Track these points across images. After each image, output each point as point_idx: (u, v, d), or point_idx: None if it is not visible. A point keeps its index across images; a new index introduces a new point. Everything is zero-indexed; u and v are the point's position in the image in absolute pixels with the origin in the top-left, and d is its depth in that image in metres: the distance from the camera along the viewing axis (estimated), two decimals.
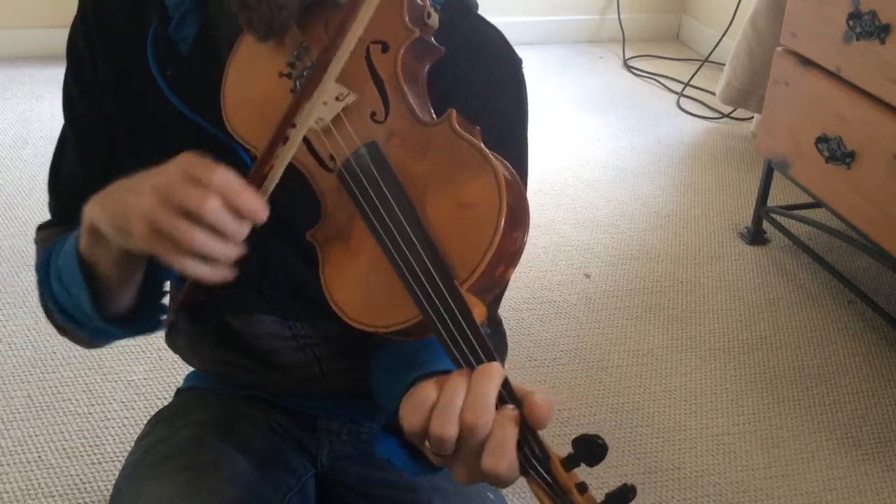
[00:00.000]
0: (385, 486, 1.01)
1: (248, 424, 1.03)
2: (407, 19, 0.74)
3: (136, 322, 0.85)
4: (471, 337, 0.65)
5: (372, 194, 0.70)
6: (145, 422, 1.09)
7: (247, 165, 0.86)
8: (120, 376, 1.76)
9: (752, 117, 2.92)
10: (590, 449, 0.64)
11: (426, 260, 0.66)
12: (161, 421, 1.06)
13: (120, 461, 1.54)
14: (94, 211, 0.75)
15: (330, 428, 1.05)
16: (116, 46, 0.89)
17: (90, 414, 1.66)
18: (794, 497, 1.61)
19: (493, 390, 0.63)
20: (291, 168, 0.74)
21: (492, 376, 0.64)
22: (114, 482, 1.04)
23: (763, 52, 2.52)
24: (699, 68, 3.31)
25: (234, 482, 0.94)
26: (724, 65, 2.81)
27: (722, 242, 2.35)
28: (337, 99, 0.74)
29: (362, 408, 1.04)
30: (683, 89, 3.21)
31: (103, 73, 0.90)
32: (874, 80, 1.83)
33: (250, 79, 0.80)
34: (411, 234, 0.67)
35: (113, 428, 1.63)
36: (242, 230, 0.69)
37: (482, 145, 0.69)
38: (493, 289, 0.69)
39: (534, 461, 0.65)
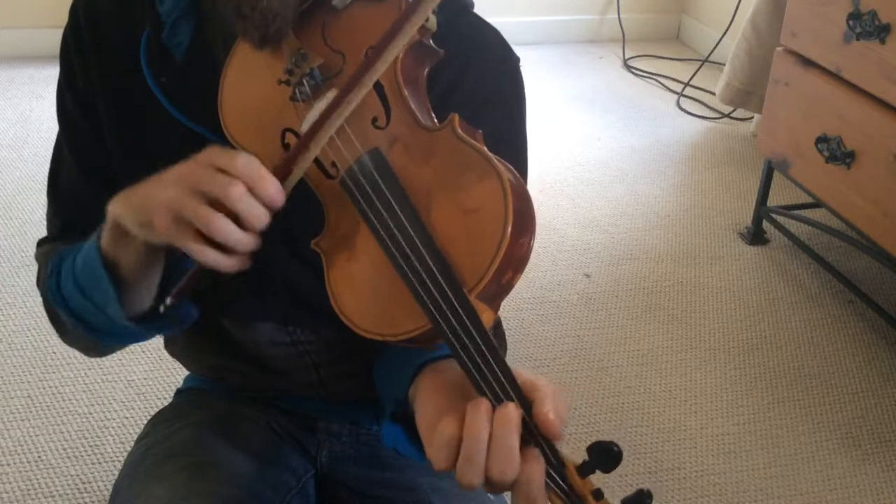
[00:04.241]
0: (385, 487, 1.01)
1: (247, 425, 1.03)
2: None
3: (156, 321, 0.84)
4: (481, 345, 0.65)
5: (376, 202, 0.69)
6: (145, 422, 1.09)
7: None
8: (120, 376, 1.76)
9: (752, 117, 2.92)
10: (605, 455, 0.65)
11: (433, 268, 0.65)
12: (161, 421, 1.06)
13: (120, 461, 1.54)
14: (118, 207, 0.76)
15: (330, 429, 1.05)
16: (108, 55, 0.88)
17: (90, 414, 1.66)
18: (794, 497, 1.61)
19: (514, 440, 0.64)
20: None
21: (510, 430, 0.64)
22: (114, 482, 1.04)
23: (763, 52, 2.52)
24: (699, 68, 3.31)
25: (233, 482, 0.94)
26: (724, 65, 2.81)
27: (722, 242, 2.35)
28: None
29: (362, 409, 1.04)
30: (683, 89, 3.21)
31: (96, 81, 0.89)
32: (874, 80, 1.82)
33: (248, 86, 0.79)
34: (417, 242, 0.66)
35: (113, 428, 1.63)
36: (263, 218, 0.71)
37: (486, 150, 0.68)
38: (501, 295, 0.68)
39: (549, 469, 0.65)
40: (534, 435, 0.65)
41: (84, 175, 0.93)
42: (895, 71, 1.77)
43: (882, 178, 1.83)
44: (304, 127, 0.74)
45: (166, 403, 1.12)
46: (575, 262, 2.23)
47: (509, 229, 0.64)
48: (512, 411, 0.64)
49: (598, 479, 0.66)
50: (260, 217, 0.70)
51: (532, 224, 0.67)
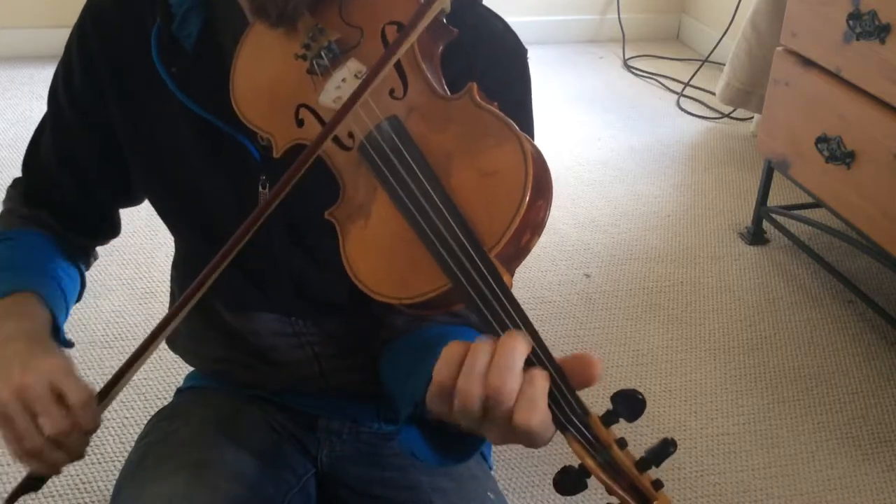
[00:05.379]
0: (385, 486, 1.01)
1: (248, 423, 1.03)
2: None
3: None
4: (504, 301, 0.66)
5: (397, 165, 0.70)
6: (145, 422, 1.09)
7: (254, 158, 0.86)
8: None
9: (752, 117, 2.92)
10: (629, 403, 0.66)
11: (455, 227, 0.67)
12: (161, 420, 1.06)
13: (120, 461, 1.54)
14: None
15: (330, 427, 1.05)
16: (115, 53, 0.89)
17: None
18: (794, 497, 1.61)
19: (518, 356, 0.64)
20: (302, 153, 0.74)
21: (515, 345, 0.64)
22: (114, 482, 1.04)
23: (763, 52, 2.52)
24: (699, 68, 3.31)
25: (234, 481, 0.94)
26: (724, 65, 2.81)
27: (722, 242, 2.35)
28: (356, 77, 0.75)
29: (363, 407, 1.04)
30: (683, 89, 3.21)
31: (105, 80, 0.90)
32: (874, 80, 1.83)
33: (261, 65, 0.80)
34: (438, 202, 0.68)
35: (113, 428, 1.63)
36: (83, 446, 0.78)
37: (505, 116, 0.69)
38: (518, 257, 0.69)
39: (573, 417, 0.66)
40: (562, 389, 0.66)
41: (57, 158, 0.97)
42: (895, 71, 1.77)
43: (882, 178, 1.83)
44: (323, 98, 0.75)
45: (166, 403, 1.12)
46: (575, 262, 2.24)
47: (529, 190, 0.66)
48: (520, 336, 0.65)
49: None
50: (78, 448, 0.78)
51: (550, 189, 0.69)
